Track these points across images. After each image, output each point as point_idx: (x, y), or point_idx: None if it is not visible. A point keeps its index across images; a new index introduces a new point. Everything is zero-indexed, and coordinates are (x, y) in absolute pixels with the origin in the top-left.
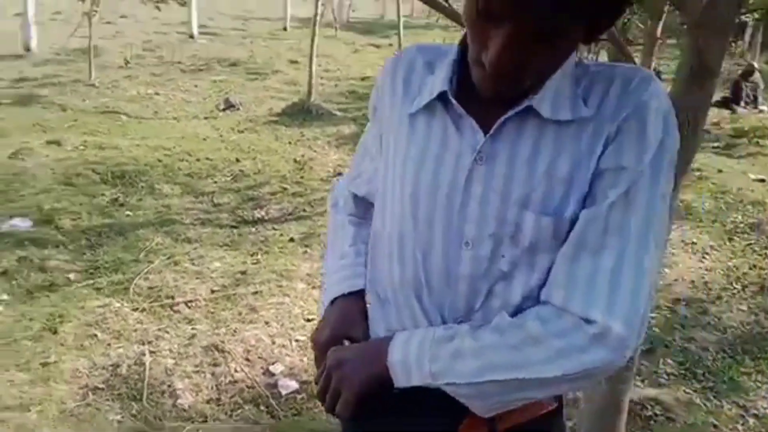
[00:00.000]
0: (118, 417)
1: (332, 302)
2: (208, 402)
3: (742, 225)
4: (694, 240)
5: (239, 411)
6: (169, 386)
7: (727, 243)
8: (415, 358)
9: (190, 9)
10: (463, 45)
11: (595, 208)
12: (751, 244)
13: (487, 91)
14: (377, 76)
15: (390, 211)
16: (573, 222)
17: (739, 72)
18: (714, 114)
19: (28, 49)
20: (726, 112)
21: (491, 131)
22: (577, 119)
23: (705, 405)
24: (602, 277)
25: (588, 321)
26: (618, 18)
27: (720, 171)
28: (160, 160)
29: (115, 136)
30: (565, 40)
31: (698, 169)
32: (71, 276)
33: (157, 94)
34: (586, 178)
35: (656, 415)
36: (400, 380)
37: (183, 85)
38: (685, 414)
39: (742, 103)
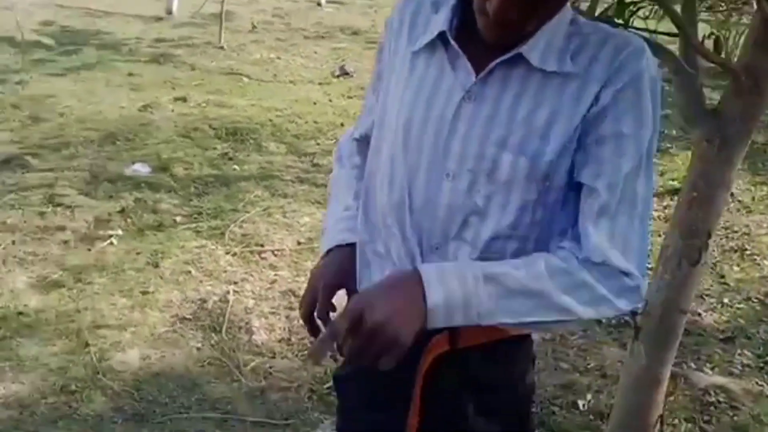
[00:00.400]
0: (199, 345)
1: (331, 249)
2: (279, 341)
3: None
4: None
5: (306, 351)
6: (247, 323)
7: None
8: (461, 300)
9: None
10: None
11: (609, 177)
12: None
13: (491, 38)
14: (387, 20)
15: (385, 138)
16: (548, 168)
17: None
18: None
19: (170, 12)
20: None
21: (481, 74)
22: (562, 73)
23: None
24: (631, 237)
25: (627, 274)
26: None
27: None
28: (270, 120)
29: (235, 96)
30: None
31: None
32: (177, 218)
33: (278, 58)
34: (565, 131)
35: (719, 402)
36: (440, 322)
37: (304, 51)
38: (752, 405)
39: None
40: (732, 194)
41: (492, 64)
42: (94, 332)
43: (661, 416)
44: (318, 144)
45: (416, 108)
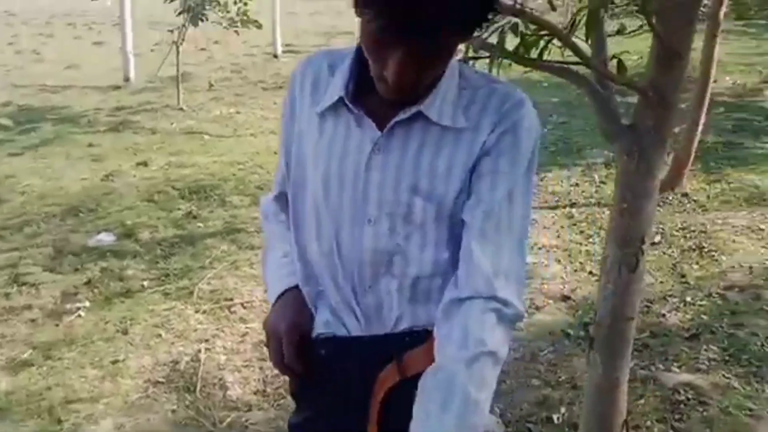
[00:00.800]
0: (173, 407)
1: (280, 295)
2: (254, 393)
3: None
4: (762, 226)
5: (282, 401)
6: (221, 379)
7: None
8: None
9: (274, 29)
10: (360, 48)
11: (485, 205)
12: None
13: (392, 100)
14: (296, 69)
15: (306, 194)
16: (453, 208)
17: None
18: None
19: (127, 79)
20: None
21: (385, 129)
22: (456, 128)
23: (743, 389)
24: (509, 266)
25: (506, 303)
26: (488, 21)
27: None
28: (233, 174)
29: (196, 155)
30: (448, 50)
31: None
32: (145, 283)
33: (238, 113)
34: (462, 176)
35: (688, 399)
36: None
37: (263, 103)
38: (721, 398)
39: None
40: (686, 195)
41: (392, 122)
42: (66, 408)
43: (626, 421)
44: None
45: (331, 165)
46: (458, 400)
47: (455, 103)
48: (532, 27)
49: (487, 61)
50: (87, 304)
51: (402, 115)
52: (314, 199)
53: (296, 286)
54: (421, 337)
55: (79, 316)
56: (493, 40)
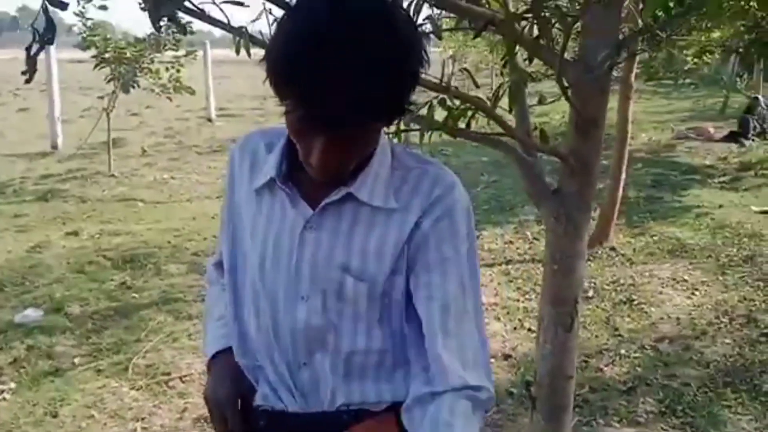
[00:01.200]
0: None
1: (213, 357)
2: None
3: (736, 258)
4: (686, 277)
5: None
6: None
7: (720, 277)
8: None
9: (208, 94)
10: None
11: (440, 300)
12: (744, 276)
13: (319, 181)
14: (234, 147)
15: (247, 270)
16: (384, 287)
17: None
18: (721, 149)
19: (55, 146)
20: (735, 147)
21: (317, 209)
22: (387, 208)
23: None
24: (474, 351)
25: (479, 389)
26: (406, 108)
27: (721, 206)
28: (168, 242)
29: (130, 222)
30: (371, 134)
31: (698, 206)
32: (76, 360)
33: (173, 178)
34: (393, 257)
35: None
36: None
37: (198, 167)
38: None
39: (751, 136)
40: (614, 249)
41: (323, 203)
42: None
43: None
44: None
45: (268, 242)
46: None
47: (387, 184)
48: (458, 101)
49: (418, 132)
50: (12, 385)
51: (333, 197)
52: (252, 276)
53: (229, 348)
54: (359, 416)
55: (4, 398)
56: (423, 112)
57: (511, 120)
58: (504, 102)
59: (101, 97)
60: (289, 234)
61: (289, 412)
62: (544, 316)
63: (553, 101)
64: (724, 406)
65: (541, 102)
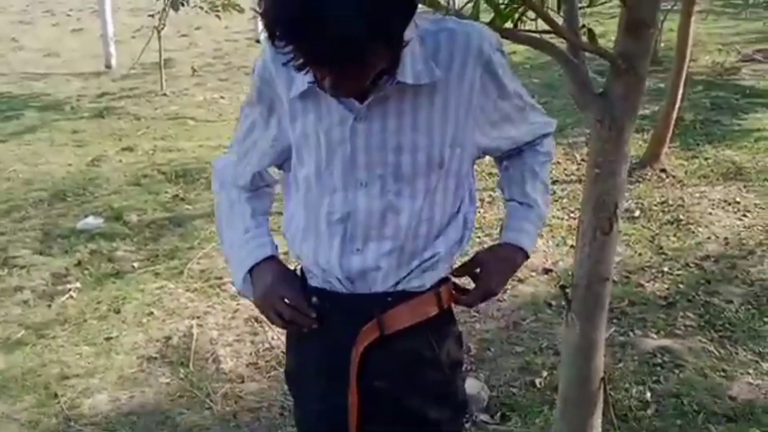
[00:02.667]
0: (167, 380)
1: (250, 271)
2: (247, 366)
3: None
4: (738, 199)
5: (274, 372)
6: (213, 354)
7: None
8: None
9: (256, 15)
10: None
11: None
12: None
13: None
14: (258, 62)
15: (302, 169)
16: (440, 157)
17: None
18: None
19: (108, 66)
20: None
21: (364, 104)
22: (430, 83)
23: (718, 352)
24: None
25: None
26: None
27: None
28: None
29: (182, 140)
30: (377, 56)
31: (758, 129)
32: (135, 264)
33: (222, 98)
34: (442, 125)
35: (665, 362)
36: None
37: (247, 88)
38: (695, 360)
39: None
40: (665, 170)
41: (370, 99)
42: (62, 383)
43: (603, 379)
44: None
45: (320, 138)
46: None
47: (424, 56)
48: None
49: None
50: (78, 285)
51: (378, 93)
52: (306, 172)
53: (266, 259)
54: (403, 297)
55: (71, 296)
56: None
57: (559, 21)
58: (552, 4)
59: (151, 16)
60: (340, 127)
61: (338, 292)
62: (584, 221)
63: (602, 3)
64: (765, 322)
65: (591, 4)
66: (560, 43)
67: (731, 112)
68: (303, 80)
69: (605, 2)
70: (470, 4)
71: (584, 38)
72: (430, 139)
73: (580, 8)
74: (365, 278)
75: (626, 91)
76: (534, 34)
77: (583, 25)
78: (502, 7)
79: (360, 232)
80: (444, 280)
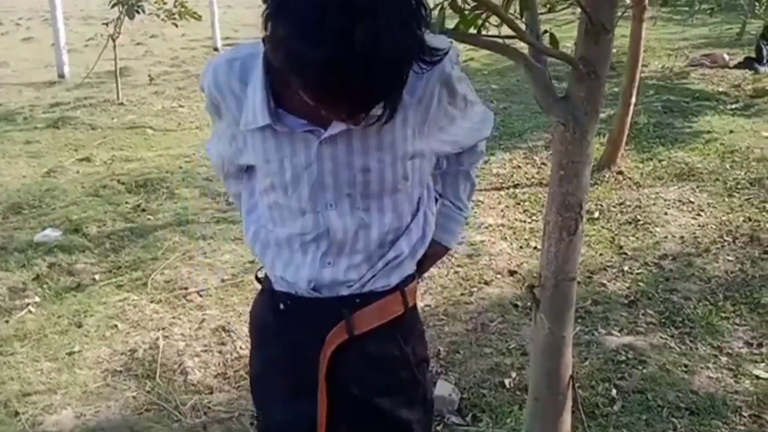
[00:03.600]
0: (134, 393)
1: None
2: (215, 376)
3: (743, 181)
4: (692, 199)
5: (243, 382)
6: (180, 365)
7: (726, 199)
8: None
9: (213, 22)
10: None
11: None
12: (750, 198)
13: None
14: (204, 82)
15: (268, 186)
16: (404, 170)
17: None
18: (736, 76)
19: (62, 75)
20: (749, 74)
21: (326, 134)
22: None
23: (679, 348)
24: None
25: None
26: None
27: (731, 131)
28: (180, 167)
29: (141, 149)
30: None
31: (708, 132)
32: (96, 276)
33: (181, 106)
34: (404, 140)
35: (629, 359)
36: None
37: None
38: (658, 357)
39: (766, 63)
40: (621, 173)
41: (336, 131)
42: (23, 400)
43: (572, 377)
44: None
45: (282, 162)
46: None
47: None
48: (471, 4)
49: None
50: (37, 299)
51: (338, 128)
52: (274, 197)
53: None
54: (370, 298)
55: (30, 311)
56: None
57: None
58: (513, 10)
59: (106, 24)
60: (305, 151)
61: (305, 297)
62: (549, 222)
63: (564, 8)
64: (722, 317)
65: (550, 10)
66: (522, 49)
67: (682, 115)
68: (255, 117)
69: (564, 9)
70: (436, 10)
71: (546, 43)
72: (393, 156)
73: (540, 14)
74: (333, 287)
75: (588, 93)
76: (497, 39)
77: (545, 31)
78: (467, 12)
79: (334, 248)
80: (408, 278)
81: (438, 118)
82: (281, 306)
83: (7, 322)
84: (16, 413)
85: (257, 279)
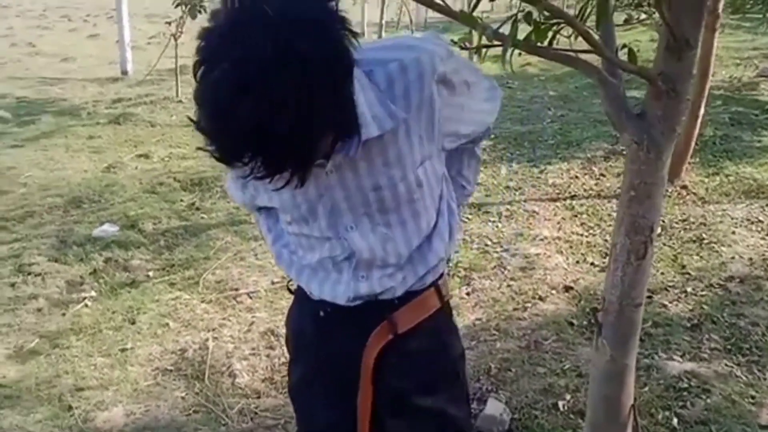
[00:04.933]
0: (183, 394)
1: None
2: (263, 381)
3: None
4: (761, 218)
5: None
6: (229, 367)
7: None
8: None
9: None
10: None
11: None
12: None
13: None
14: None
15: (289, 219)
16: (417, 178)
17: None
18: None
19: (125, 72)
20: None
21: (329, 165)
22: (395, 124)
23: (746, 377)
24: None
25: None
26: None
27: None
28: None
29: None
30: (351, 120)
31: None
32: (150, 273)
33: None
34: (410, 152)
35: (691, 387)
36: None
37: None
38: (723, 386)
39: None
40: (686, 187)
41: (338, 159)
42: (76, 395)
43: (633, 406)
44: None
45: (295, 198)
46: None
47: (379, 97)
48: (545, 15)
49: (499, 50)
50: (93, 293)
51: (348, 155)
52: (293, 228)
53: None
54: (407, 297)
55: (86, 305)
56: (505, 29)
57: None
58: (589, 22)
59: (169, 23)
60: (314, 184)
61: (344, 306)
62: (617, 244)
63: (640, 21)
64: None
65: (627, 21)
66: (597, 63)
67: (751, 128)
68: None
69: (641, 21)
70: (508, 23)
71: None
72: (402, 169)
73: (617, 26)
74: (372, 295)
75: (666, 112)
76: (570, 53)
77: (624, 45)
78: (541, 23)
79: (364, 264)
80: (440, 274)
81: (446, 112)
82: (321, 313)
83: (63, 315)
84: (70, 407)
85: (289, 290)
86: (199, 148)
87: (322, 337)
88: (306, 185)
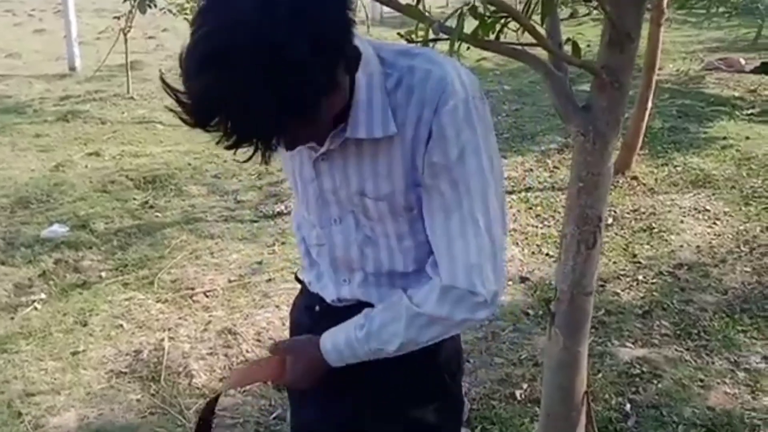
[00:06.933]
0: (138, 396)
1: None
2: (220, 380)
3: (760, 189)
4: (708, 207)
5: (248, 388)
6: (185, 368)
7: (743, 208)
8: (350, 356)
9: None
10: None
11: (436, 200)
12: (767, 207)
13: None
14: None
15: (300, 203)
16: (405, 203)
17: None
18: (752, 81)
19: (73, 68)
20: (765, 78)
21: (320, 152)
22: (387, 136)
23: (695, 362)
24: (472, 255)
25: (473, 293)
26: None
27: (747, 138)
28: (189, 164)
29: (150, 144)
30: (318, 109)
31: (723, 138)
32: (102, 274)
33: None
34: (404, 174)
35: (643, 372)
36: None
37: None
38: (673, 371)
39: None
40: (636, 178)
41: (323, 150)
42: (26, 400)
43: (587, 392)
44: (240, 181)
45: (296, 176)
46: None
47: (383, 108)
48: (491, 9)
49: (447, 44)
50: (42, 296)
51: (329, 146)
52: (300, 210)
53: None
54: None
55: (35, 308)
56: (452, 23)
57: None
58: (534, 16)
59: (117, 17)
60: (308, 165)
61: (332, 306)
62: (567, 234)
63: (584, 16)
64: (739, 330)
65: (572, 16)
66: (543, 56)
67: (697, 120)
68: None
69: (585, 15)
70: (454, 16)
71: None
72: (391, 186)
73: (562, 20)
74: (354, 299)
75: (610, 103)
76: (517, 46)
77: (568, 39)
78: (486, 17)
79: (342, 264)
80: None
81: (427, 156)
82: (316, 308)
83: (12, 318)
84: (19, 414)
85: (296, 279)
86: (168, 108)
87: (316, 332)
88: (304, 165)
